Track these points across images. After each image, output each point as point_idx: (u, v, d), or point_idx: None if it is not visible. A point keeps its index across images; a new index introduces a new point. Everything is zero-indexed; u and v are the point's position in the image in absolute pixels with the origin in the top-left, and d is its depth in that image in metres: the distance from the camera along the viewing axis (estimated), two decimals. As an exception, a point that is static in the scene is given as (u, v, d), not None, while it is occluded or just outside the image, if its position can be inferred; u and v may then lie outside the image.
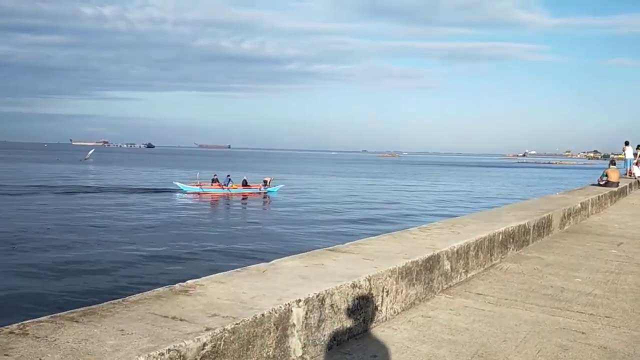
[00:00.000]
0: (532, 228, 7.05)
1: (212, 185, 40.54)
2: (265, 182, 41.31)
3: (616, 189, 14.36)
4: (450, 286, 4.74)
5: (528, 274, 5.44)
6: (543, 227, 7.54)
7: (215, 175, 41.63)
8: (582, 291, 4.82)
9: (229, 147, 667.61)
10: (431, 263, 4.42)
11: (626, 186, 16.80)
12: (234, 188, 40.00)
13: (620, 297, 4.67)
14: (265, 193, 40.56)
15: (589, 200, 10.57)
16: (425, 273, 4.33)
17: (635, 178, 21.38)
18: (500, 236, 5.98)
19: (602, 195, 11.98)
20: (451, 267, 4.78)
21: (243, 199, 38.85)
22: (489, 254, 5.64)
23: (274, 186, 41.65)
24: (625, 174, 23.13)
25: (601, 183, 14.87)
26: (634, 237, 8.24)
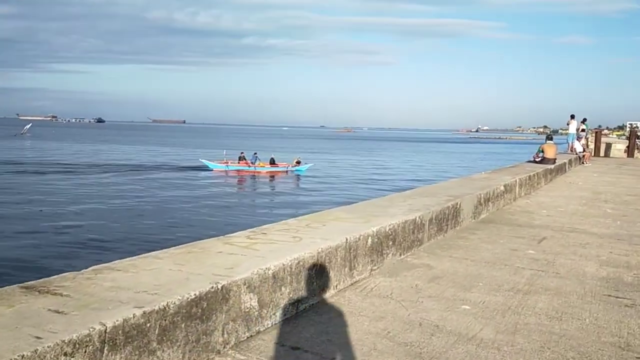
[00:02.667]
0: (428, 222, 5.39)
1: (239, 163, 39.53)
2: (298, 162, 40.28)
3: (552, 166, 13.04)
4: (255, 334, 2.98)
5: (398, 297, 3.76)
6: (447, 219, 5.91)
7: (242, 153, 40.67)
8: (463, 332, 3.16)
9: (184, 122, 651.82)
10: (208, 304, 2.64)
11: (565, 163, 15.60)
12: (261, 166, 39.03)
13: (519, 343, 3.02)
14: (293, 172, 39.42)
15: (516, 181, 9.08)
16: (190, 325, 2.54)
17: (577, 154, 20.36)
18: (370, 239, 4.27)
19: (533, 175, 10.56)
20: (260, 302, 3.02)
21: (271, 177, 37.59)
22: (346, 268, 3.92)
23: (304, 165, 40.43)
24: (568, 150, 22.19)
25: (537, 160, 13.53)
26: (562, 227, 6.74)
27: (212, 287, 2.69)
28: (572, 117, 23.41)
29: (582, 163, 20.00)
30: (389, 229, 4.58)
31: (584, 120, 25.45)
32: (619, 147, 29.79)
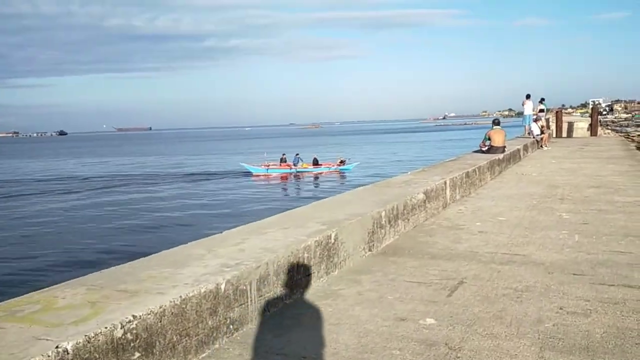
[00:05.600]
0: (256, 283, 3.19)
1: (280, 165, 38.41)
2: (342, 161, 38.83)
3: (501, 155, 11.03)
4: None
5: None
6: (305, 267, 3.72)
7: (283, 154, 39.60)
8: None
9: (150, 129, 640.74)
10: None
11: (518, 149, 13.65)
12: (304, 167, 37.85)
13: None
14: (339, 171, 37.99)
15: (445, 183, 6.97)
16: None
17: (534, 137, 18.51)
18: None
19: (473, 170, 8.48)
20: None
21: (315, 178, 36.01)
22: None
23: (350, 163, 38.87)
24: (525, 133, 20.38)
25: (483, 149, 11.51)
26: (494, 255, 4.61)
27: None
28: (528, 96, 21.46)
29: (541, 147, 18.18)
30: (130, 331, 2.36)
31: (542, 100, 23.60)
32: (582, 125, 28.16)
